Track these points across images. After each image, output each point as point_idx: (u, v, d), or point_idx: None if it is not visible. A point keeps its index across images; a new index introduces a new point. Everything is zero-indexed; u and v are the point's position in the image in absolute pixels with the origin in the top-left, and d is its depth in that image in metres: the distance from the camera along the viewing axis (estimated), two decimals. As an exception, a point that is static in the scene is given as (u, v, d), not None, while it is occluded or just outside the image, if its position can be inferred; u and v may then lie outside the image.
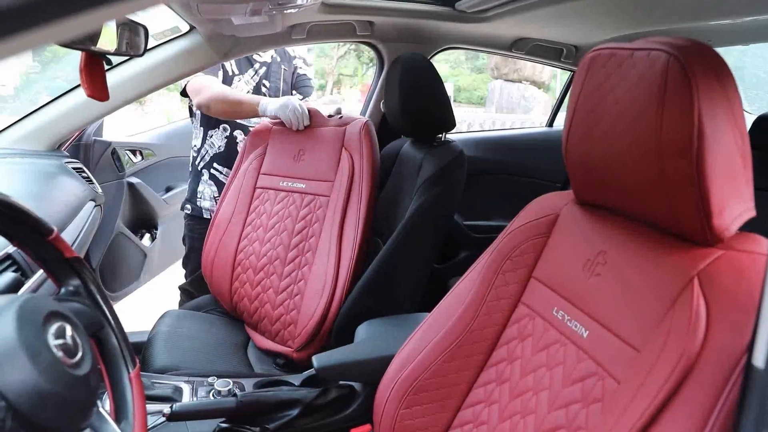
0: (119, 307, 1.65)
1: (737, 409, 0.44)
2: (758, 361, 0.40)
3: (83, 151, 1.68)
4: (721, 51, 0.62)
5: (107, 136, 1.83)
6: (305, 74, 1.79)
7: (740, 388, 0.45)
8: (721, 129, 0.55)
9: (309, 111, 1.50)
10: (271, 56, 1.71)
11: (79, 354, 0.53)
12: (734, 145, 0.57)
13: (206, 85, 1.54)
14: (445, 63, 14.13)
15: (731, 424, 0.46)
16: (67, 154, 1.49)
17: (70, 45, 0.85)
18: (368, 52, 1.77)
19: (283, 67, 1.73)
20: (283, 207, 1.49)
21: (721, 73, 0.57)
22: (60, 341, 0.52)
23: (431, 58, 1.72)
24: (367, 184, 1.39)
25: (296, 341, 1.34)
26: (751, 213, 0.59)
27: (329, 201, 1.42)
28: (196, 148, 1.73)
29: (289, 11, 1.18)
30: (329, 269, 1.34)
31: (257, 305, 1.45)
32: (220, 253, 1.50)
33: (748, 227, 0.60)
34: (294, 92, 1.74)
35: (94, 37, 0.90)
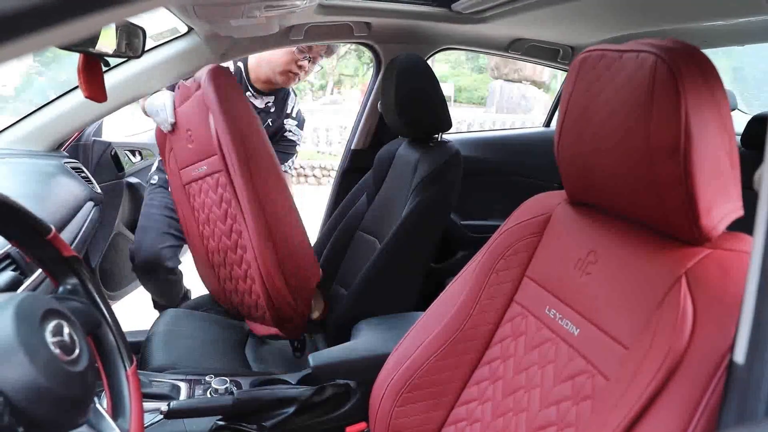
0: (118, 307, 1.66)
1: (721, 403, 0.45)
2: (739, 357, 0.41)
3: (83, 151, 1.69)
4: (723, 52, 0.63)
5: (107, 136, 1.84)
6: (292, 140, 1.73)
7: (724, 383, 0.46)
8: (708, 130, 0.56)
9: (179, 86, 1.41)
10: (266, 104, 1.66)
11: (76, 351, 0.54)
12: (721, 146, 0.57)
13: None
14: (445, 63, 14.12)
15: (716, 420, 0.47)
16: (67, 154, 1.49)
17: (68, 47, 0.86)
18: (369, 52, 1.77)
19: (269, 119, 1.67)
20: (205, 196, 1.41)
21: (708, 75, 0.57)
22: (57, 338, 0.53)
23: (428, 58, 1.73)
24: (231, 146, 1.20)
25: (288, 325, 1.31)
26: (739, 212, 0.60)
27: (223, 175, 1.30)
28: None
29: (285, 13, 1.18)
30: (258, 246, 1.22)
31: (240, 298, 1.42)
32: (198, 262, 1.50)
33: (739, 227, 0.60)
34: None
35: (93, 39, 0.91)
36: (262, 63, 1.58)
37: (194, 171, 1.40)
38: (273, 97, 1.67)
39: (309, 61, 1.58)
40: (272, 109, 1.67)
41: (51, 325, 0.53)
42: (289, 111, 1.71)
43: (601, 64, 0.65)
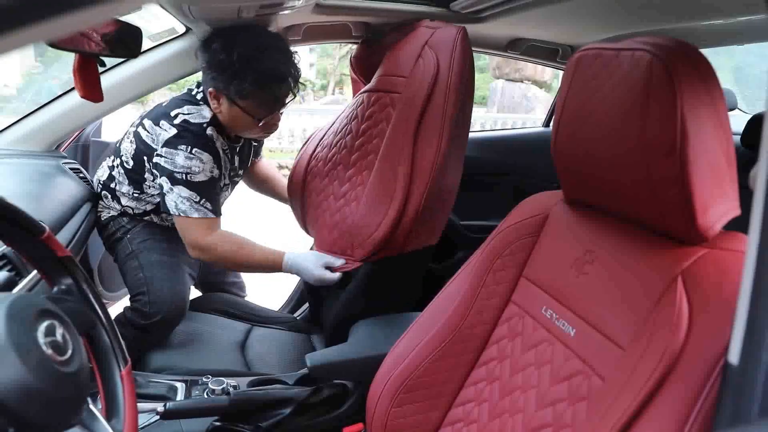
0: (118, 307, 1.66)
1: (716, 404, 0.45)
2: (733, 357, 0.40)
3: (81, 152, 1.69)
4: (724, 51, 0.63)
5: (105, 137, 1.84)
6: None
7: (719, 384, 0.46)
8: (704, 129, 0.56)
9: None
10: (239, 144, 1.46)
11: (69, 351, 0.54)
12: (718, 145, 0.57)
13: (210, 243, 1.25)
14: (446, 63, 14.08)
15: (712, 421, 0.47)
16: (65, 154, 1.49)
17: (64, 47, 0.86)
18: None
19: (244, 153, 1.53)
20: (353, 108, 1.38)
21: (705, 73, 0.57)
22: (49, 339, 0.52)
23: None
24: (454, 96, 1.15)
25: (357, 252, 1.22)
26: (736, 212, 0.60)
27: (400, 98, 1.23)
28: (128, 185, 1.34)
29: (280, 13, 1.18)
30: (401, 177, 1.17)
31: (318, 213, 1.38)
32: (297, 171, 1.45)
33: (736, 226, 0.60)
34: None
35: (88, 38, 0.90)
36: (237, 130, 1.32)
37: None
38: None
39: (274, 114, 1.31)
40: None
41: (43, 326, 0.53)
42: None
43: (597, 62, 0.64)
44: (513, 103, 10.72)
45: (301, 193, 1.43)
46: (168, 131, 1.23)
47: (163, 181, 1.23)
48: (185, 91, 1.34)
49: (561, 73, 2.09)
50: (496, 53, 1.79)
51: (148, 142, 1.26)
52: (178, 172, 1.21)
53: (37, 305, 0.54)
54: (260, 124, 1.27)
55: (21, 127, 1.39)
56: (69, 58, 0.96)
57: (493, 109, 11.00)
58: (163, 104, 1.31)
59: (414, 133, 1.18)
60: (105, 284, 1.71)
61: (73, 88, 1.36)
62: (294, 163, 1.47)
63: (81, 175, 1.43)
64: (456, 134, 1.18)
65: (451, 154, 1.18)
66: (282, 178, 1.67)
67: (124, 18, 1.02)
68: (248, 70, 1.17)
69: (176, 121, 1.24)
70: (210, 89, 1.23)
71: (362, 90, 1.40)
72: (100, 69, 1.01)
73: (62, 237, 1.15)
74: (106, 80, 1.35)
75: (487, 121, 9.00)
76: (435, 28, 1.26)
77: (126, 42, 1.02)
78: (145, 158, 1.27)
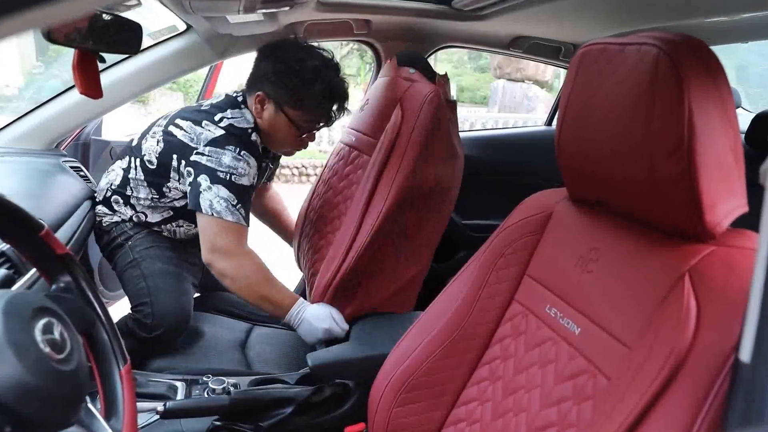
0: (118, 306, 1.66)
1: (726, 404, 0.44)
2: (744, 355, 0.39)
3: (81, 150, 1.69)
4: (726, 49, 0.62)
5: (106, 135, 1.83)
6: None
7: (729, 383, 0.45)
8: (712, 125, 0.55)
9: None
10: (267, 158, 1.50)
11: (67, 350, 0.53)
12: (726, 141, 0.56)
13: (240, 253, 1.21)
14: (448, 63, 14.10)
15: (720, 421, 0.46)
16: (65, 153, 1.49)
17: (63, 42, 0.85)
18: (371, 52, 1.74)
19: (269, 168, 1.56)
20: (337, 161, 1.40)
21: (713, 69, 0.56)
22: (47, 336, 0.52)
23: (429, 56, 1.72)
24: (412, 152, 1.16)
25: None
26: (743, 209, 0.59)
27: (369, 162, 1.25)
28: (150, 192, 1.30)
29: (283, 9, 1.17)
30: (348, 235, 1.20)
31: (307, 259, 1.41)
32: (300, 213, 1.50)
33: (743, 223, 0.59)
34: None
35: (87, 34, 0.90)
36: (271, 140, 1.32)
37: (344, 133, 1.43)
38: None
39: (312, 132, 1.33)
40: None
41: (41, 323, 0.52)
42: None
43: (602, 57, 0.64)
44: (514, 102, 10.70)
45: (299, 237, 1.47)
46: (213, 131, 1.20)
47: (202, 179, 1.18)
48: (223, 96, 1.31)
49: (562, 72, 2.08)
50: (499, 51, 1.79)
51: (186, 141, 1.21)
52: (222, 171, 1.17)
53: (34, 303, 0.53)
54: (299, 138, 1.29)
55: (21, 125, 1.38)
56: (70, 58, 0.96)
57: (494, 108, 10.99)
58: (198, 107, 1.28)
59: (370, 193, 1.20)
60: (105, 283, 1.70)
61: (73, 86, 1.36)
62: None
63: (81, 173, 1.42)
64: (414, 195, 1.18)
65: (404, 214, 1.19)
66: (289, 215, 1.67)
67: (123, 14, 1.01)
68: (317, 81, 1.20)
69: (222, 124, 1.22)
70: (258, 93, 1.22)
71: (343, 141, 1.43)
72: (100, 66, 1.01)
73: (63, 235, 1.14)
74: (107, 78, 1.35)
75: (488, 120, 8.98)
76: (412, 82, 1.27)
77: (125, 38, 1.01)
78: (175, 156, 1.23)
